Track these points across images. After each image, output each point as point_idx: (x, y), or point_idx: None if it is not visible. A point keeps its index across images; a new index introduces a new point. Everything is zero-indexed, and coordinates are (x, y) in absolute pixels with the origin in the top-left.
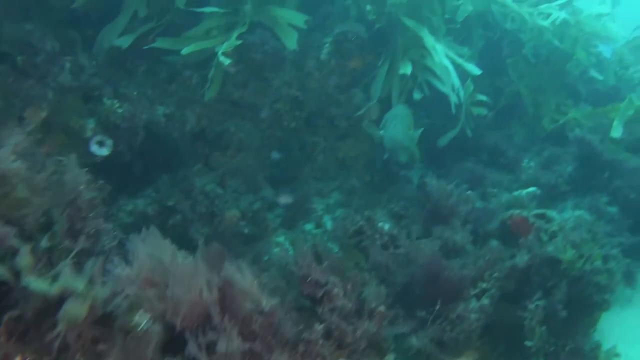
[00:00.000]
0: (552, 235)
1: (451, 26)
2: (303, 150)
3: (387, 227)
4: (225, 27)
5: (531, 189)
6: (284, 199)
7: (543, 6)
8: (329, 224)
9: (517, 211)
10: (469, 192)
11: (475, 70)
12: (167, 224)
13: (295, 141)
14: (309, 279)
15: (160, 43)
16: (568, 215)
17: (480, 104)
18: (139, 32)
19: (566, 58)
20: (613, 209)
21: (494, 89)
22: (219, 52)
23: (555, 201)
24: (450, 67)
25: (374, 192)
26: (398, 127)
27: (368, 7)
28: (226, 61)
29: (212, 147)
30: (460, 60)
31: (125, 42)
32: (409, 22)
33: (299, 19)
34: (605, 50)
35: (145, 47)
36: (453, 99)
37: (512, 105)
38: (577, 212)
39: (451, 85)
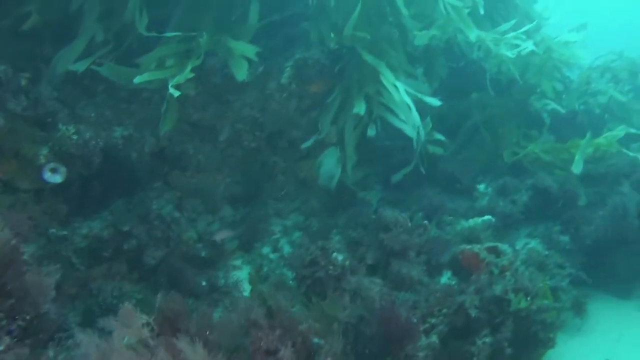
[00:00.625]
0: (502, 270)
1: (414, 54)
2: (263, 170)
3: (340, 258)
4: (181, 55)
5: (486, 217)
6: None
7: (510, 35)
8: (286, 247)
9: (468, 247)
10: (425, 221)
11: (435, 102)
12: (122, 248)
13: (255, 161)
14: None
15: (108, 71)
16: (520, 246)
17: (437, 142)
18: (96, 56)
19: (530, 88)
20: (565, 238)
21: (456, 112)
22: (170, 85)
23: (510, 229)
24: (412, 105)
25: (332, 214)
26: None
27: (331, 35)
28: (176, 93)
29: (171, 167)
30: (420, 95)
31: (81, 66)
32: (368, 57)
33: (251, 51)
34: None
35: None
36: (413, 135)
37: (473, 132)
38: (530, 244)
39: (412, 123)
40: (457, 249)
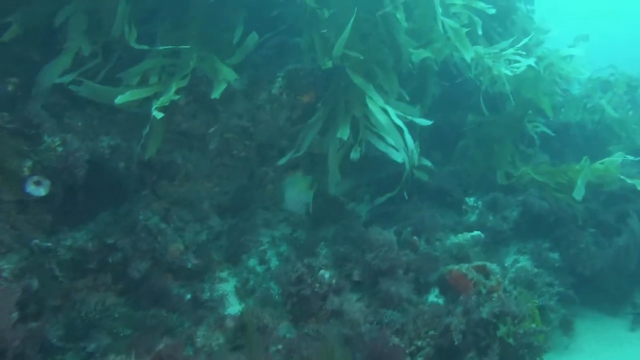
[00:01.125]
0: (490, 291)
1: (408, 72)
2: (253, 179)
3: (327, 275)
4: (166, 70)
5: (475, 233)
6: None
7: (509, 51)
8: (273, 260)
9: (456, 267)
10: (414, 237)
11: (425, 122)
12: (106, 261)
13: (244, 170)
14: None
15: (87, 91)
16: (510, 262)
17: (424, 168)
18: (84, 69)
19: (526, 104)
20: (555, 256)
21: (449, 124)
22: (153, 107)
23: (499, 245)
24: (404, 128)
25: (320, 225)
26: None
27: (325, 59)
28: (159, 115)
29: (159, 176)
30: (410, 117)
31: (68, 78)
32: (356, 79)
33: (232, 76)
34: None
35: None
36: (400, 160)
37: (466, 150)
38: (520, 262)
39: (401, 147)
40: (445, 269)
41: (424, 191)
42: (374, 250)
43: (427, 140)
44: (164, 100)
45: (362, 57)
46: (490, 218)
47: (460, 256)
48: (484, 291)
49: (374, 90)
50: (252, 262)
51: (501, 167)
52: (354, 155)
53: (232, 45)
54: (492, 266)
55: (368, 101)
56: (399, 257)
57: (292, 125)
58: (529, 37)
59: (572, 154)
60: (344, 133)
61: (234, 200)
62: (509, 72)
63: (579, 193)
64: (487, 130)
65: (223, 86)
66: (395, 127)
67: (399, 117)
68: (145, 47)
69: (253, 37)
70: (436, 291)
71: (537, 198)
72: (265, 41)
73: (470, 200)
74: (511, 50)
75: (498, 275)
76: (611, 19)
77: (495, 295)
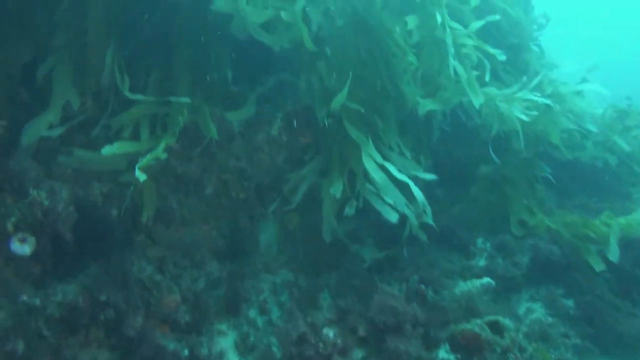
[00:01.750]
0: (505, 350)
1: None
2: (252, 222)
3: (331, 334)
4: (157, 118)
5: (485, 280)
6: None
7: (522, 93)
8: (274, 311)
9: (469, 326)
10: (422, 286)
11: (430, 177)
12: (98, 318)
13: (243, 213)
14: None
15: (73, 161)
16: (523, 312)
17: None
18: (75, 122)
19: (539, 143)
20: (569, 302)
21: (453, 158)
22: (136, 167)
23: (510, 292)
24: (409, 182)
25: (322, 270)
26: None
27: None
28: (142, 177)
29: (154, 222)
30: (413, 172)
31: (55, 132)
32: (354, 133)
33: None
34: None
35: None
36: (394, 220)
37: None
38: (534, 313)
39: (403, 204)
40: (456, 327)
41: (428, 232)
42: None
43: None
44: (149, 158)
45: (362, 110)
46: (500, 262)
47: (470, 307)
48: (498, 350)
49: (372, 144)
50: (253, 312)
51: (515, 213)
52: (349, 211)
53: (227, 85)
54: (506, 322)
55: (364, 157)
56: (407, 312)
57: (291, 165)
58: (541, 76)
59: (582, 192)
60: (337, 189)
61: (232, 244)
62: (524, 117)
63: (614, 255)
64: (499, 172)
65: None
66: (394, 184)
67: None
68: (140, 96)
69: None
70: (447, 347)
71: (548, 242)
72: (264, 79)
73: (479, 242)
74: (524, 93)
75: (512, 332)
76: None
77: (510, 356)
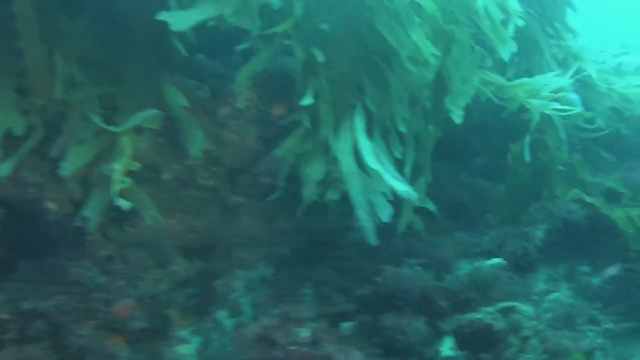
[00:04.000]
0: (524, 340)
1: None
2: (224, 212)
3: (306, 334)
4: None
5: (496, 260)
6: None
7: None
8: (247, 310)
9: (478, 316)
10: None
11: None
12: (26, 334)
13: (214, 202)
14: None
15: None
16: (540, 295)
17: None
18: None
19: None
20: (596, 280)
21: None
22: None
23: (525, 272)
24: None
25: (309, 261)
26: None
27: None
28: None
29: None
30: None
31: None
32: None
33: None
34: None
35: None
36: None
37: None
38: (552, 295)
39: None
40: (463, 318)
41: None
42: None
43: None
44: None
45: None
46: (512, 237)
47: (479, 291)
48: (516, 343)
49: (359, 119)
50: (221, 314)
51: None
52: (332, 195)
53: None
54: (523, 307)
55: (342, 134)
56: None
57: (265, 145)
58: None
59: None
60: (316, 171)
61: (203, 239)
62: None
63: None
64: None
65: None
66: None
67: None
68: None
69: None
70: (450, 342)
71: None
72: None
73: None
74: None
75: (532, 321)
76: None
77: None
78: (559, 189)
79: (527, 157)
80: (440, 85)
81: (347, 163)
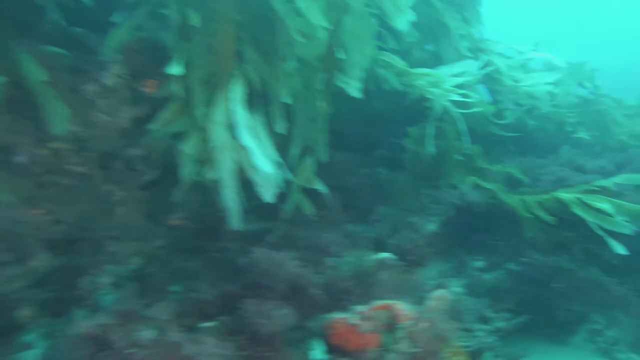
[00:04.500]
0: (396, 342)
1: None
2: (96, 201)
3: (148, 335)
4: None
5: (383, 254)
6: None
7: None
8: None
9: (342, 315)
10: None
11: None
12: None
13: (84, 191)
14: None
15: None
16: (427, 292)
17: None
18: None
19: None
20: (489, 277)
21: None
22: None
23: (414, 266)
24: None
25: (189, 253)
26: None
27: None
28: None
29: None
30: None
31: None
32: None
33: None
34: None
35: None
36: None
37: None
38: (441, 291)
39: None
40: (327, 318)
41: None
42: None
43: None
44: None
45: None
46: (402, 229)
47: (361, 286)
48: (389, 345)
49: (239, 89)
50: (80, 314)
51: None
52: (209, 174)
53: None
54: (402, 305)
55: (218, 108)
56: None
57: (138, 127)
58: None
59: None
60: (191, 146)
61: (71, 231)
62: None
63: None
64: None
65: None
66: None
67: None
68: None
69: None
70: (321, 344)
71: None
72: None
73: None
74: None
75: (411, 320)
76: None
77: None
78: (457, 178)
79: (431, 148)
80: (332, 57)
81: (219, 136)
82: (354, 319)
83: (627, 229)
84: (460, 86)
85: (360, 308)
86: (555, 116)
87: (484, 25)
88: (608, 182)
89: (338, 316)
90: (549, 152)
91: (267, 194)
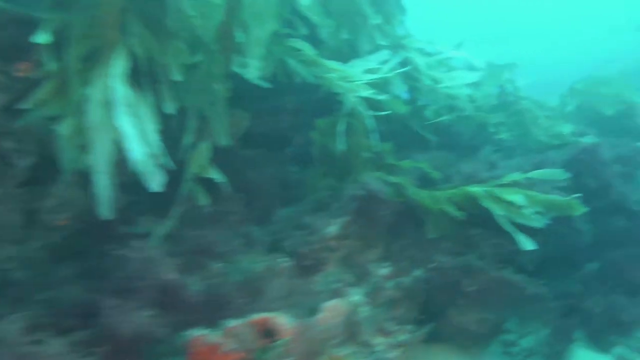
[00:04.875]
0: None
1: None
2: None
3: None
4: None
5: (280, 259)
6: None
7: None
8: None
9: (203, 332)
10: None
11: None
12: None
13: None
14: None
15: None
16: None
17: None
18: None
19: None
20: (391, 283)
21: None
22: None
23: (310, 272)
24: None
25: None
26: None
27: None
28: None
29: None
30: None
31: None
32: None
33: None
34: None
35: None
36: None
37: None
38: (335, 301)
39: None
40: (184, 337)
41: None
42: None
43: None
44: None
45: None
46: (299, 230)
47: (246, 296)
48: None
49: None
50: None
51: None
52: (88, 159)
53: None
54: (282, 319)
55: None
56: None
57: (12, 116)
58: None
59: None
60: (66, 126)
61: None
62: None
63: None
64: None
65: None
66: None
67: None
68: None
69: None
70: None
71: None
72: None
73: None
74: None
75: (291, 335)
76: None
77: None
78: (366, 175)
79: (341, 145)
80: (229, 35)
81: (94, 115)
82: (217, 337)
83: (539, 222)
84: (373, 83)
85: (231, 322)
86: (477, 117)
87: (409, 22)
88: (519, 177)
89: (199, 333)
90: (471, 152)
91: (153, 183)
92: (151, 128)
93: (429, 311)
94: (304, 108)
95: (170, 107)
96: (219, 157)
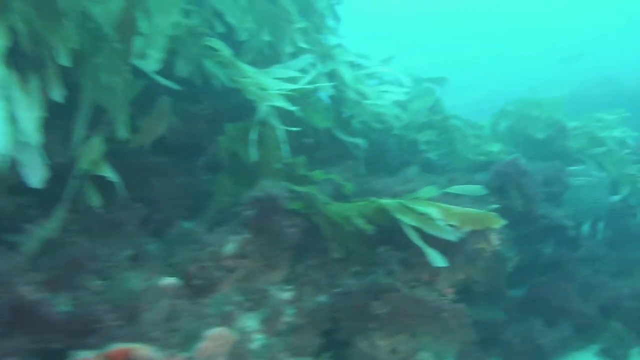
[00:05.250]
0: None
1: None
2: None
3: None
4: None
5: (168, 278)
6: None
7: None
8: None
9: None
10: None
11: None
12: None
13: None
14: None
15: None
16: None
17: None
18: None
19: None
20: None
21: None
22: None
23: (202, 294)
24: None
25: None
26: None
27: None
28: None
29: None
30: None
31: None
32: None
33: None
34: None
35: None
36: None
37: None
38: (220, 329)
39: None
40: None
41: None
42: None
43: None
44: None
45: None
46: (192, 246)
47: (121, 319)
48: None
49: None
50: None
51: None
52: None
53: None
54: (147, 350)
55: None
56: None
57: None
58: None
59: None
60: None
61: None
62: None
63: None
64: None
65: None
66: None
67: None
68: None
69: None
70: None
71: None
72: None
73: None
74: None
75: None
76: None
77: None
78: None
79: (253, 155)
80: (130, 22)
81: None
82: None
83: (452, 235)
84: (292, 92)
85: (84, 354)
86: (405, 134)
87: (341, 32)
88: (435, 192)
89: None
90: (399, 170)
91: (33, 179)
92: (28, 115)
93: (335, 340)
94: (222, 114)
95: (57, 95)
96: (123, 162)
